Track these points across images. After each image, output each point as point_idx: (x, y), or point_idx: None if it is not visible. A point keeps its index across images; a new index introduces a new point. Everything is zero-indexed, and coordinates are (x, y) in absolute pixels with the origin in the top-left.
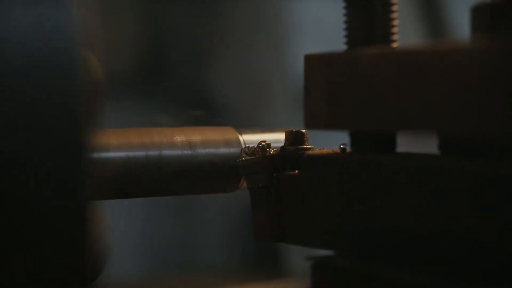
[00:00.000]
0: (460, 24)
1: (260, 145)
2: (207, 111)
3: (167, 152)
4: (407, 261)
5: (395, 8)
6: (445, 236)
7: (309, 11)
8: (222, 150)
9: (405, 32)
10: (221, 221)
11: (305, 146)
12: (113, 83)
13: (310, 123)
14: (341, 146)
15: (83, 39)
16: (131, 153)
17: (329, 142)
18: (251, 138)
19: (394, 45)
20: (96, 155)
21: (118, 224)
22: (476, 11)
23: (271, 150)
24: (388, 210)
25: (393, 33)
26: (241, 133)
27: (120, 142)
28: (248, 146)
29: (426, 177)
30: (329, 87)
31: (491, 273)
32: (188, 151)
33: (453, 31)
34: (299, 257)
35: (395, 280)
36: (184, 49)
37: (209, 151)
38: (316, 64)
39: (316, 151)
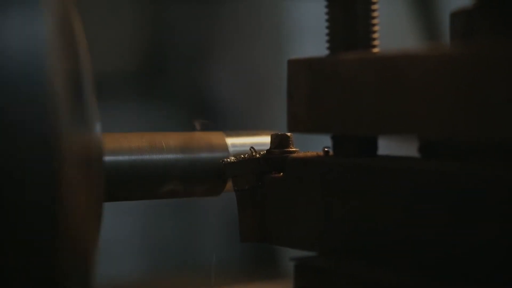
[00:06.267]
0: None
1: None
2: (208, 115)
3: (153, 156)
4: (388, 262)
5: (376, 13)
6: (425, 238)
7: (309, 11)
8: (208, 154)
9: (402, 37)
10: (220, 222)
11: (290, 149)
12: (112, 84)
13: (293, 127)
14: (325, 149)
15: (57, 45)
16: (119, 157)
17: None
18: (237, 141)
19: (375, 50)
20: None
21: (118, 225)
22: (454, 17)
23: (257, 154)
24: (368, 212)
25: (374, 38)
26: (227, 136)
27: (108, 147)
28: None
29: (405, 180)
30: (311, 91)
31: (472, 275)
32: (174, 155)
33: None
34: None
35: (377, 280)
36: (183, 49)
37: (195, 155)
38: (299, 68)
39: (301, 154)
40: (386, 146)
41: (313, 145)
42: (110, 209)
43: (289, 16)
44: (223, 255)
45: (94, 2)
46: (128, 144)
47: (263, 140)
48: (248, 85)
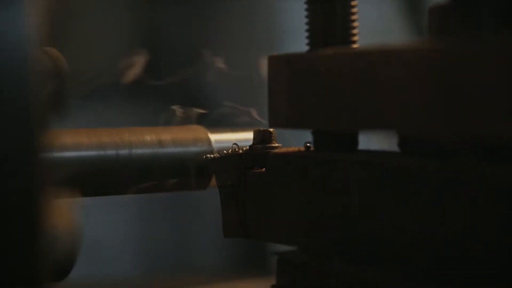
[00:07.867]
0: None
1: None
2: (201, 117)
3: (137, 151)
4: (368, 258)
5: (355, 9)
6: (402, 233)
7: (304, 12)
8: (192, 149)
9: (392, 34)
10: (214, 221)
11: (273, 145)
12: (106, 86)
13: (273, 123)
14: (307, 144)
15: (38, 40)
16: (102, 152)
17: None
18: (221, 137)
19: (354, 46)
20: (67, 153)
21: (112, 224)
22: (431, 13)
23: (240, 149)
24: (347, 207)
25: (353, 34)
26: (211, 132)
27: (91, 141)
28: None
29: (384, 175)
30: (290, 87)
31: (444, 270)
32: (157, 150)
33: None
34: None
35: (356, 277)
36: (177, 51)
37: (179, 149)
38: (278, 64)
39: (282, 149)
40: (368, 141)
41: (297, 141)
42: (104, 206)
43: (282, 18)
44: (216, 253)
45: (88, 6)
46: (114, 139)
47: (246, 136)
48: (242, 86)
